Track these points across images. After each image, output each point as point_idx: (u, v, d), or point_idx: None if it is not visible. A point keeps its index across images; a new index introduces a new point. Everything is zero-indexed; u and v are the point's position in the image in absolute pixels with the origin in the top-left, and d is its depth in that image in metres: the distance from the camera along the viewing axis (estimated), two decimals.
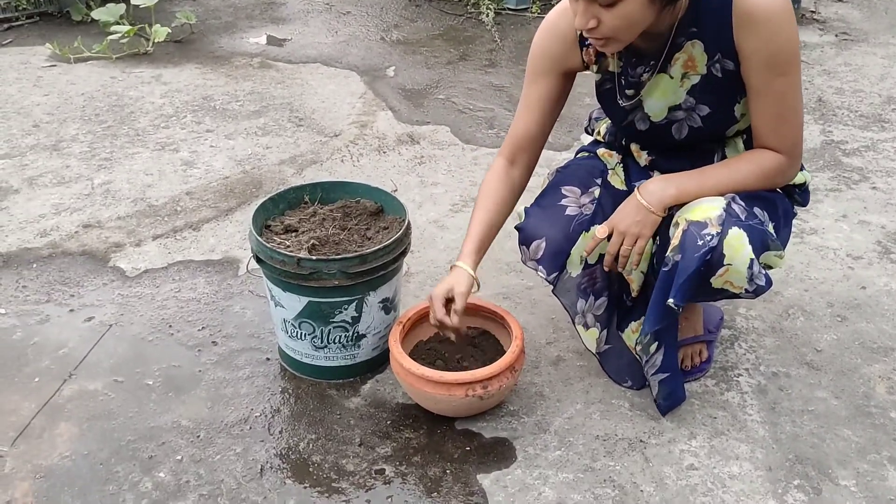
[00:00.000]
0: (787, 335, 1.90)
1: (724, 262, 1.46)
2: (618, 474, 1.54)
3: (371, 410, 1.67)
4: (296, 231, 1.72)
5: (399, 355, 1.58)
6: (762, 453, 1.59)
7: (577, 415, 1.67)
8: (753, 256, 1.47)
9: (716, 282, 1.50)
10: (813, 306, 1.99)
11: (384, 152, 2.65)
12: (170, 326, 1.89)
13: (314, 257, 1.56)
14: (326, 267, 1.56)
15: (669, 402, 1.65)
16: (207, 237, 2.22)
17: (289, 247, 1.65)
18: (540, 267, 1.65)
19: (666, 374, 1.62)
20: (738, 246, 1.46)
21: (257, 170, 2.55)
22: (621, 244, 1.57)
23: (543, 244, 1.65)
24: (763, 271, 1.51)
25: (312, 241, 1.65)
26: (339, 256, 1.57)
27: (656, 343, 1.59)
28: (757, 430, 1.64)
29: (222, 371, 1.76)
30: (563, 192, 1.68)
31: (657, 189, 1.54)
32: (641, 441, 1.61)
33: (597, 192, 1.68)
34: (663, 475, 1.54)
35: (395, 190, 2.43)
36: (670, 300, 1.48)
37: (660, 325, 1.55)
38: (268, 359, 1.80)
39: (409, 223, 1.70)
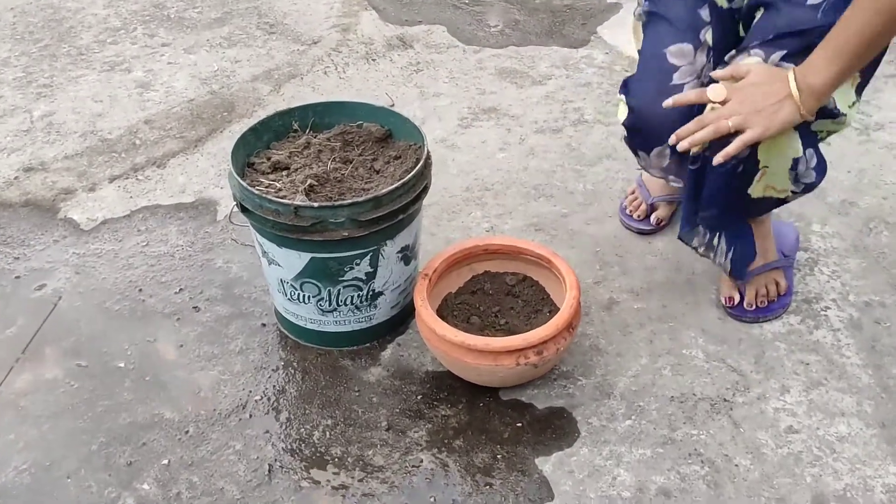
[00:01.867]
0: (874, 254, 1.61)
1: (760, 167, 1.24)
2: (704, 445, 1.27)
3: (396, 383, 1.37)
4: (287, 168, 1.38)
5: (430, 318, 1.28)
6: (871, 406, 1.32)
7: (644, 372, 1.39)
8: (801, 153, 1.23)
9: (755, 190, 1.27)
10: None
11: (373, 60, 2.26)
12: (140, 291, 1.56)
13: (316, 204, 1.23)
14: (333, 215, 1.23)
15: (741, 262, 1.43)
16: (175, 175, 1.86)
17: (280, 190, 1.31)
18: (673, 177, 1.42)
19: (734, 248, 1.40)
20: (776, 142, 1.20)
21: (227, 89, 2.16)
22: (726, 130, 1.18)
23: (668, 151, 1.33)
24: (813, 165, 1.27)
25: (309, 181, 1.31)
26: (349, 201, 1.23)
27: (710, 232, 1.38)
28: (859, 376, 1.37)
29: (209, 344, 1.45)
30: (671, 59, 1.30)
31: (819, 78, 1.15)
32: (725, 400, 1.34)
33: (709, 34, 1.30)
34: (759, 443, 1.27)
35: (392, 105, 2.06)
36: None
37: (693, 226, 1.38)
38: (263, 325, 1.48)
39: (428, 152, 1.36)
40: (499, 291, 1.43)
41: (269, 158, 1.39)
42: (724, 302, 1.49)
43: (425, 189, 1.33)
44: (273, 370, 1.40)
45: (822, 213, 1.70)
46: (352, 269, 1.31)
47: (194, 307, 1.52)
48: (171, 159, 1.91)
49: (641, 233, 1.66)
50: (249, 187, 1.26)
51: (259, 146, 1.42)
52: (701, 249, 1.41)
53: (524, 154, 1.88)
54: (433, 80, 2.16)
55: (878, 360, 1.40)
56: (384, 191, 1.25)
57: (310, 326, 1.40)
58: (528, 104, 2.05)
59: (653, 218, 1.65)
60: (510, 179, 1.82)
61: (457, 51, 2.29)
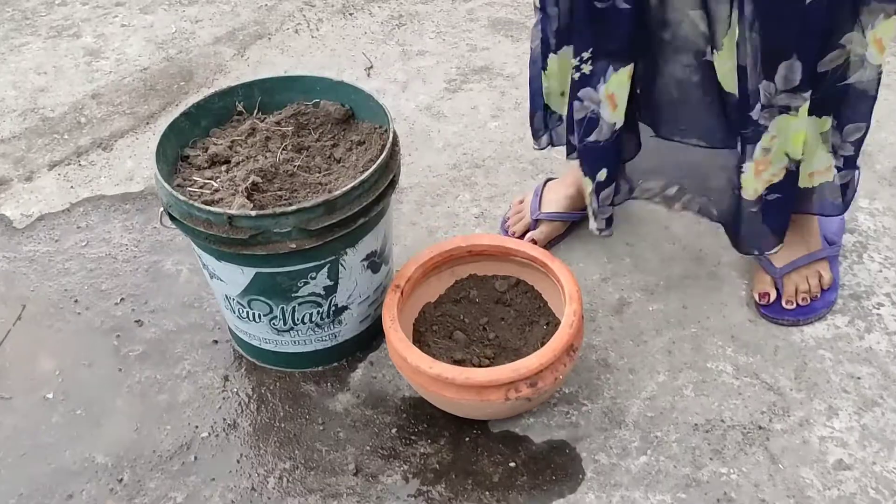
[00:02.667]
0: None
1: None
2: (736, 488, 1.05)
3: (367, 413, 1.16)
4: (227, 162, 1.15)
5: (400, 344, 1.05)
6: None
7: (662, 392, 1.17)
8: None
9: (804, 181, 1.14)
10: None
11: (350, 14, 2.00)
12: (75, 302, 1.35)
13: (253, 213, 1.00)
14: (276, 224, 1.01)
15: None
16: (123, 159, 1.63)
17: (217, 191, 1.08)
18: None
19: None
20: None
21: (185, 54, 1.91)
22: None
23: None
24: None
25: (252, 178, 1.08)
26: (294, 207, 1.00)
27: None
28: None
29: (152, 367, 1.24)
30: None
31: None
32: (761, 428, 1.12)
33: None
34: (802, 483, 1.06)
35: (371, 67, 1.81)
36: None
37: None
38: (215, 342, 1.27)
39: (394, 137, 1.12)
40: (487, 299, 1.21)
41: (206, 149, 1.16)
42: (756, 299, 1.26)
43: (392, 184, 1.09)
44: (224, 398, 1.19)
45: (869, 184, 1.45)
46: (307, 283, 1.09)
47: (137, 321, 1.31)
48: (118, 140, 1.68)
49: None
50: (174, 192, 1.03)
51: (196, 134, 1.18)
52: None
53: (520, 122, 1.63)
54: (417, 36, 1.90)
55: None
56: (338, 192, 1.01)
57: (265, 346, 1.19)
58: (525, 62, 1.77)
59: (527, 238, 1.33)
60: (504, 153, 1.57)
61: (443, 1, 2.02)
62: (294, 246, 1.02)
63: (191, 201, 1.00)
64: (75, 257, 1.42)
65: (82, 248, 1.44)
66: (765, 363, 1.19)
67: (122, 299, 1.34)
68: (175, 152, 1.15)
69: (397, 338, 1.06)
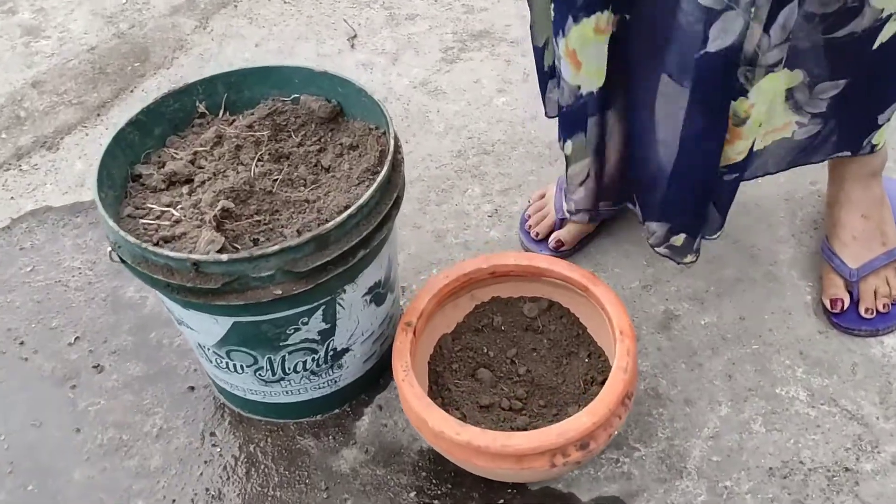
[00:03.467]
0: None
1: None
2: None
3: (378, 473, 0.97)
4: (189, 181, 0.93)
5: (418, 403, 0.86)
6: None
7: (726, 428, 0.98)
8: None
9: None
10: None
11: None
12: (21, 344, 1.14)
13: (224, 257, 0.79)
14: (254, 268, 0.80)
15: None
16: (71, 160, 1.40)
17: (178, 221, 0.87)
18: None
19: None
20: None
21: (138, 28, 1.66)
22: None
23: None
24: None
25: (222, 203, 0.87)
26: (275, 247, 0.79)
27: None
28: None
29: (116, 426, 1.04)
30: None
31: None
32: (847, 469, 0.94)
33: None
34: None
35: (355, 36, 1.58)
36: None
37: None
38: (191, 388, 1.07)
39: (396, 143, 0.90)
40: (514, 326, 1.01)
41: (161, 166, 0.94)
42: (828, 306, 1.07)
43: (396, 204, 0.88)
44: (206, 462, 1.00)
45: None
46: (297, 330, 0.88)
47: (95, 366, 1.10)
48: (65, 137, 1.45)
49: None
50: (122, 231, 0.81)
51: (148, 146, 0.96)
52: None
53: (531, 96, 1.41)
54: None
55: None
56: (330, 224, 0.80)
57: (252, 397, 0.99)
58: None
59: (552, 240, 1.15)
60: (515, 136, 1.36)
61: None
62: (279, 292, 0.81)
63: (143, 245, 0.79)
64: (18, 287, 1.21)
65: (27, 275, 1.22)
66: (843, 385, 1.01)
67: (76, 338, 1.13)
68: (124, 171, 0.93)
69: (413, 394, 0.86)
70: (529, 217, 1.19)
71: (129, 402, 1.06)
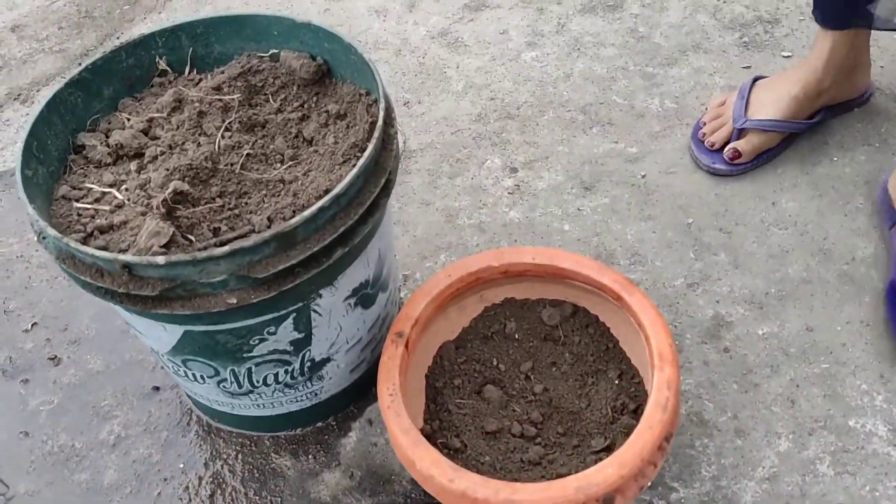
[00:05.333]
0: None
1: None
2: None
3: (365, 502, 0.82)
4: (139, 155, 0.77)
5: (405, 438, 0.70)
6: None
7: (786, 466, 0.81)
8: None
9: None
10: None
11: None
12: None
13: (161, 260, 0.63)
14: (201, 273, 0.64)
15: None
16: None
17: (121, 207, 0.71)
18: None
19: None
20: None
21: None
22: None
23: None
24: None
25: (174, 184, 0.71)
26: (226, 249, 0.62)
27: None
28: None
29: (69, 431, 0.90)
30: None
31: None
32: None
33: None
34: None
35: None
36: None
37: None
38: (156, 388, 0.93)
39: (387, 112, 0.73)
40: (530, 334, 0.84)
41: (107, 135, 0.78)
42: None
43: (386, 189, 0.71)
44: (165, 479, 0.86)
45: None
46: (264, 340, 0.73)
47: (52, 357, 0.96)
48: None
49: (712, 172, 1.05)
50: (44, 222, 0.65)
51: (95, 110, 0.80)
52: None
53: (566, 51, 1.22)
54: None
55: None
56: (294, 221, 0.63)
57: (220, 408, 0.85)
58: None
59: (728, 150, 1.04)
60: (545, 97, 1.17)
61: None
62: (234, 301, 0.65)
63: (64, 240, 0.63)
64: None
65: None
66: None
67: (33, 324, 1.00)
68: (64, 141, 0.77)
69: (400, 427, 0.70)
70: (704, 125, 1.08)
71: (85, 403, 0.92)
